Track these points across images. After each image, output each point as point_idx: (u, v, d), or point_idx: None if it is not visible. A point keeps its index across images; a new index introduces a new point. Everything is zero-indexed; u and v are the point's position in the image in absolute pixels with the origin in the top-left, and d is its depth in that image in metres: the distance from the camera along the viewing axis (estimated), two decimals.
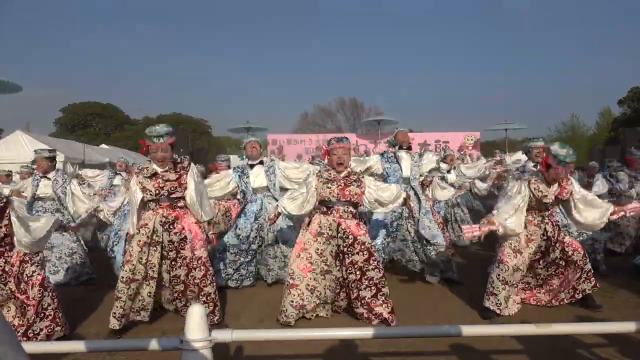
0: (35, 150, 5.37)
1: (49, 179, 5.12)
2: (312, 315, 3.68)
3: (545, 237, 3.77)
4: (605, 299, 4.05)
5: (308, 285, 3.59)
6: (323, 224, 3.64)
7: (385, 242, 4.72)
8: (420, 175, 5.00)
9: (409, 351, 3.00)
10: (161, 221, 3.49)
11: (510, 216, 3.63)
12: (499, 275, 3.70)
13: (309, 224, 3.73)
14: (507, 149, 14.75)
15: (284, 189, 4.85)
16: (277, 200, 4.65)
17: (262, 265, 4.83)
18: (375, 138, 15.16)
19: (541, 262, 3.86)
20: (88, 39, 62.61)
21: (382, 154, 5.00)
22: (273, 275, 4.80)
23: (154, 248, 3.48)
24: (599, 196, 6.10)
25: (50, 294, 3.31)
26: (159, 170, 3.55)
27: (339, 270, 3.65)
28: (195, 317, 2.01)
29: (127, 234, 4.33)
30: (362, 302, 3.54)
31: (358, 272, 3.55)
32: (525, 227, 3.73)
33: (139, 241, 3.45)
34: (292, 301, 3.57)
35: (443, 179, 7.10)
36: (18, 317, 3.22)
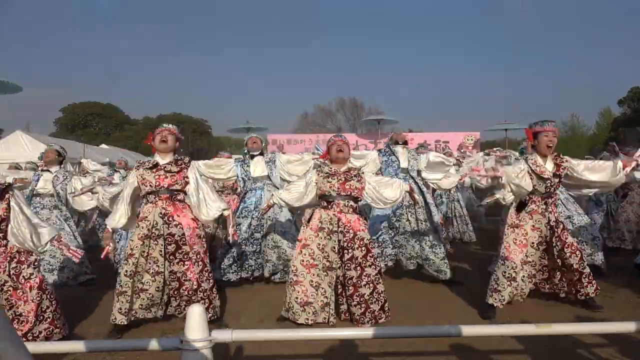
0: (49, 144, 5.43)
1: (50, 172, 5.13)
2: (314, 319, 3.57)
3: (549, 227, 3.70)
4: (605, 299, 4.05)
5: (312, 281, 3.59)
6: (324, 219, 3.64)
7: (392, 234, 4.75)
8: (419, 172, 5.02)
9: (409, 351, 3.00)
10: (160, 213, 3.48)
11: (517, 175, 3.63)
12: (504, 272, 3.67)
13: (309, 219, 3.74)
14: (507, 149, 14.75)
15: (284, 181, 4.91)
16: (278, 188, 4.73)
17: (261, 256, 4.85)
18: (375, 138, 15.17)
19: (547, 252, 3.77)
20: (88, 39, 62.64)
21: (379, 150, 5.10)
22: (270, 267, 4.79)
23: (155, 241, 3.47)
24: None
25: (48, 296, 3.30)
26: (161, 162, 3.57)
27: (340, 267, 3.63)
28: (195, 317, 2.01)
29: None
30: (361, 299, 3.53)
31: (358, 269, 3.55)
32: (530, 216, 3.70)
33: (139, 234, 3.45)
34: (297, 298, 3.58)
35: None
36: (15, 320, 3.20)
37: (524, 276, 3.72)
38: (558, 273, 3.79)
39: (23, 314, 3.17)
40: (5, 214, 3.18)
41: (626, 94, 30.27)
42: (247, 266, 4.77)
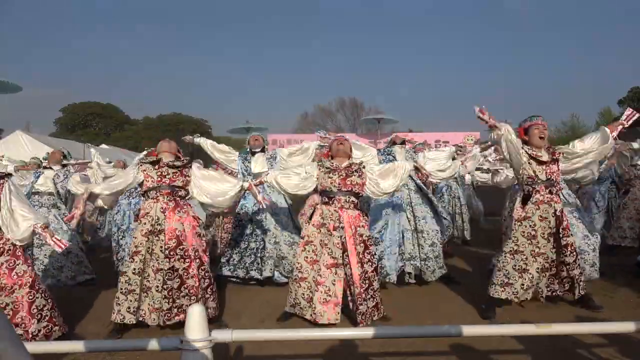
0: (56, 148, 5.47)
1: (52, 169, 5.14)
2: (320, 317, 3.54)
3: (555, 217, 3.67)
4: (605, 299, 4.06)
5: (315, 278, 3.59)
6: (325, 215, 3.65)
7: (398, 241, 4.73)
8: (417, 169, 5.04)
9: (409, 351, 3.00)
10: (162, 208, 3.49)
11: (515, 139, 3.64)
12: (515, 265, 3.64)
13: (311, 216, 3.74)
14: None
15: None
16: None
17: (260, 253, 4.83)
18: (375, 138, 15.17)
19: (555, 245, 3.72)
20: (88, 39, 62.57)
21: (378, 150, 5.13)
22: (271, 265, 4.75)
23: (157, 237, 3.46)
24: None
25: (42, 294, 3.29)
26: (164, 159, 3.60)
27: (347, 266, 3.60)
28: (195, 317, 2.01)
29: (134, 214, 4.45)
30: (360, 297, 3.52)
31: (359, 266, 3.55)
32: (537, 207, 3.67)
33: (143, 231, 3.45)
34: (304, 294, 3.59)
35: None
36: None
37: (538, 268, 3.66)
38: (563, 268, 3.73)
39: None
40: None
41: (626, 94, 30.24)
42: (256, 265, 4.74)
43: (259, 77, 63.16)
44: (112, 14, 60.31)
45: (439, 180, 6.49)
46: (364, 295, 3.52)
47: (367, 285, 3.55)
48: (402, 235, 4.70)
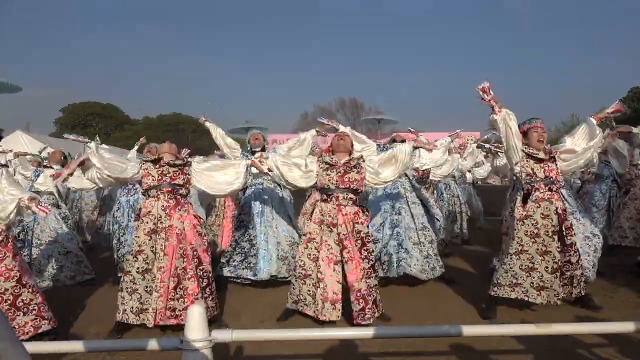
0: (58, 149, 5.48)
1: (52, 168, 5.14)
2: (322, 314, 3.55)
3: (557, 215, 3.63)
4: (605, 299, 4.05)
5: (317, 276, 3.60)
6: (324, 211, 3.65)
7: (396, 237, 4.75)
8: (416, 170, 5.05)
9: (409, 351, 3.00)
10: (162, 206, 3.49)
11: (515, 128, 3.62)
12: (521, 265, 3.60)
13: (312, 213, 3.75)
14: None
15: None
16: (273, 185, 4.84)
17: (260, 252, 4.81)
18: (375, 138, 15.12)
19: (559, 242, 3.65)
20: (88, 39, 62.63)
21: (378, 145, 5.13)
22: (274, 265, 4.70)
23: (159, 235, 3.45)
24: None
25: (29, 289, 3.29)
26: (164, 158, 3.60)
27: (346, 263, 3.60)
28: (195, 317, 2.01)
29: (135, 213, 4.48)
30: (358, 294, 3.53)
31: (354, 261, 3.56)
32: (537, 204, 3.65)
33: (145, 229, 3.45)
34: (309, 291, 3.60)
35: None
36: None
37: (547, 267, 3.60)
38: (568, 268, 3.67)
39: None
40: None
41: (626, 94, 30.25)
42: (245, 264, 4.73)
43: (259, 77, 63.22)
44: (112, 14, 60.41)
45: (439, 179, 6.51)
46: (361, 292, 3.52)
47: (364, 282, 3.55)
48: (398, 232, 4.72)
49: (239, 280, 4.78)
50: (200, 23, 63.27)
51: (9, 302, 3.18)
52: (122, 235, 5.26)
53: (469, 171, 8.24)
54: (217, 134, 5.14)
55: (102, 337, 3.38)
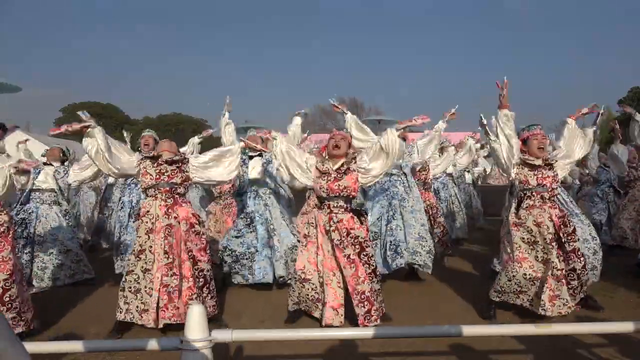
0: (55, 145, 5.46)
1: (52, 165, 5.13)
2: (327, 319, 3.55)
3: (552, 221, 3.58)
4: (605, 299, 4.05)
5: (319, 280, 3.61)
6: (318, 217, 3.66)
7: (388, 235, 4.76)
8: (417, 165, 5.08)
9: (409, 351, 3.00)
10: (160, 205, 3.49)
11: (512, 127, 3.68)
12: (525, 274, 3.54)
13: (310, 217, 3.75)
14: None
15: (280, 186, 5.01)
16: (272, 190, 4.83)
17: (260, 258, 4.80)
18: None
19: (560, 251, 3.57)
20: (88, 39, 62.75)
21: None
22: (279, 268, 4.71)
23: (157, 235, 3.45)
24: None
25: (18, 286, 3.28)
26: (164, 155, 3.58)
27: (345, 268, 3.58)
28: (195, 317, 2.01)
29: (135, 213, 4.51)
30: (362, 296, 3.51)
31: (353, 266, 3.54)
32: (529, 212, 3.62)
33: (145, 229, 3.45)
34: (308, 294, 3.60)
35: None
36: None
37: (552, 274, 3.52)
38: (574, 276, 3.54)
39: None
40: None
41: (626, 94, 30.30)
42: (260, 273, 4.68)
43: (259, 77, 63.29)
44: (112, 14, 60.46)
45: (437, 176, 6.56)
46: (365, 294, 3.52)
47: (367, 285, 3.54)
48: (391, 228, 4.75)
49: (244, 283, 4.75)
50: (200, 23, 63.40)
51: None
52: (122, 235, 5.26)
53: (468, 171, 8.25)
54: (226, 130, 5.07)
55: (102, 337, 3.38)
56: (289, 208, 5.16)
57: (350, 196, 3.68)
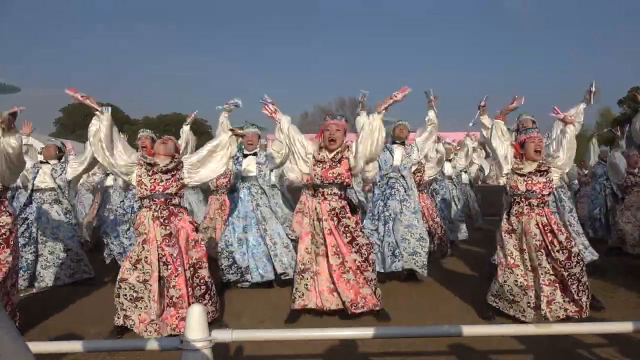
0: (48, 140, 5.44)
1: (49, 164, 5.11)
2: (327, 306, 3.62)
3: (538, 229, 3.54)
4: (605, 299, 4.06)
5: (316, 268, 3.63)
6: (312, 206, 3.68)
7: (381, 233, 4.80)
8: (413, 165, 5.08)
9: (409, 351, 3.00)
10: (154, 217, 3.46)
11: (504, 131, 3.74)
12: (516, 281, 3.53)
13: (304, 208, 3.79)
14: None
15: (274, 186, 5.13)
16: (264, 190, 4.84)
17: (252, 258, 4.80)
18: None
19: (550, 258, 3.52)
20: (88, 39, 62.75)
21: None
22: (279, 266, 4.70)
23: (151, 245, 3.44)
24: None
25: (10, 289, 3.27)
26: (160, 163, 3.53)
27: (337, 256, 3.63)
28: (195, 317, 2.01)
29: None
30: (347, 285, 3.55)
31: (340, 255, 3.57)
32: (518, 219, 3.61)
33: (141, 240, 3.44)
34: (307, 284, 3.63)
35: (440, 171, 7.35)
36: None
37: (543, 280, 3.49)
38: (574, 281, 3.47)
39: None
40: None
41: (626, 94, 30.27)
42: (257, 272, 4.70)
43: (259, 77, 63.26)
44: (112, 14, 60.46)
45: (437, 178, 6.59)
46: (350, 283, 3.54)
47: (352, 274, 3.56)
48: (389, 229, 4.77)
49: (245, 283, 4.74)
50: (200, 23, 63.42)
51: None
52: (115, 237, 5.30)
53: (465, 171, 8.26)
54: (223, 124, 5.13)
55: (102, 337, 3.38)
56: (287, 204, 5.16)
57: (345, 183, 3.70)
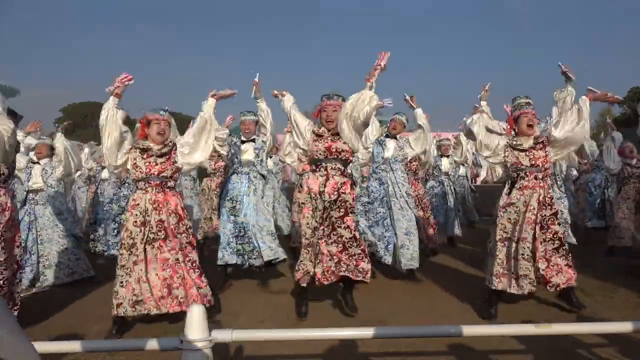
0: (40, 137, 5.39)
1: (39, 164, 5.09)
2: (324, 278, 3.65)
3: (538, 202, 3.64)
4: (605, 299, 4.06)
5: (317, 242, 3.66)
6: (312, 182, 3.70)
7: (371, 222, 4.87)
8: (405, 158, 5.10)
9: (409, 351, 3.00)
10: (150, 200, 3.48)
11: (491, 125, 3.77)
12: (508, 254, 3.63)
13: (302, 184, 3.84)
14: None
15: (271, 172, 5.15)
16: (263, 175, 4.89)
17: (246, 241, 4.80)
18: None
19: (544, 234, 3.66)
20: (88, 39, 62.77)
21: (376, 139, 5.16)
22: (266, 252, 4.70)
23: (146, 228, 3.46)
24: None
25: (11, 270, 3.27)
26: (154, 147, 3.54)
27: (325, 227, 3.69)
28: (195, 317, 2.01)
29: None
30: (326, 257, 3.61)
31: (329, 227, 3.63)
32: (522, 192, 3.67)
33: (135, 222, 3.45)
34: (311, 258, 3.68)
35: (437, 166, 7.40)
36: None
37: (522, 254, 3.62)
38: (550, 256, 3.65)
39: None
40: None
41: (626, 94, 30.28)
42: (235, 250, 4.70)
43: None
44: (112, 14, 60.41)
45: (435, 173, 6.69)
46: (325, 256, 3.60)
47: (331, 248, 3.61)
48: (385, 224, 4.82)
49: (238, 266, 4.75)
50: (200, 23, 63.44)
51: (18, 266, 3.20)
52: (102, 235, 5.32)
53: (463, 165, 8.29)
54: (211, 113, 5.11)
55: (103, 336, 3.38)
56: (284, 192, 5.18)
57: (348, 160, 3.76)
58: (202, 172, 6.84)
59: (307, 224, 3.72)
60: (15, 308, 3.29)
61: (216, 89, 3.73)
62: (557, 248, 3.66)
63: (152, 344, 2.08)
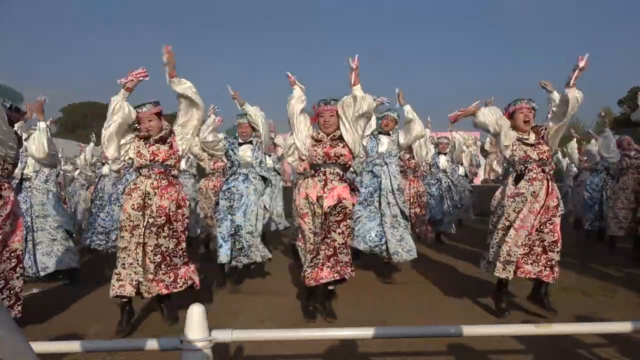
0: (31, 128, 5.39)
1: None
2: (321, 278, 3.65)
3: (545, 194, 3.64)
4: (605, 299, 4.06)
5: (314, 245, 3.67)
6: (309, 185, 3.69)
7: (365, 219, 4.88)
8: (400, 150, 5.14)
9: (409, 351, 3.00)
10: (152, 185, 3.50)
11: (493, 113, 3.74)
12: (508, 240, 3.62)
13: (299, 189, 3.81)
14: None
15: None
16: (263, 178, 4.92)
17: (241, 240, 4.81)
18: None
19: (545, 225, 3.66)
20: (88, 39, 62.80)
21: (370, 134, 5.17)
22: (258, 251, 4.74)
23: (146, 211, 3.47)
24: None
25: (10, 264, 3.29)
26: (154, 135, 3.57)
27: (327, 232, 3.67)
28: (195, 317, 2.01)
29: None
30: (324, 259, 3.61)
31: (326, 230, 3.61)
32: (531, 183, 3.67)
33: (134, 205, 3.45)
34: (310, 259, 3.67)
35: (435, 164, 7.43)
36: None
37: (517, 241, 3.63)
38: (545, 249, 3.66)
39: None
40: None
41: (626, 94, 30.26)
42: (229, 249, 4.71)
43: (259, 77, 63.31)
44: (112, 14, 60.48)
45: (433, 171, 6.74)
46: (325, 259, 3.60)
47: (332, 252, 3.60)
48: (374, 216, 4.86)
49: (238, 266, 4.76)
50: (200, 23, 63.51)
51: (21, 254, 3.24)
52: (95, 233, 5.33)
53: (461, 163, 8.33)
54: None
55: (103, 336, 3.38)
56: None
57: (347, 165, 3.75)
58: (202, 173, 6.85)
59: (310, 229, 3.71)
60: (19, 303, 3.31)
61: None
62: (555, 241, 3.65)
63: (152, 344, 2.08)
